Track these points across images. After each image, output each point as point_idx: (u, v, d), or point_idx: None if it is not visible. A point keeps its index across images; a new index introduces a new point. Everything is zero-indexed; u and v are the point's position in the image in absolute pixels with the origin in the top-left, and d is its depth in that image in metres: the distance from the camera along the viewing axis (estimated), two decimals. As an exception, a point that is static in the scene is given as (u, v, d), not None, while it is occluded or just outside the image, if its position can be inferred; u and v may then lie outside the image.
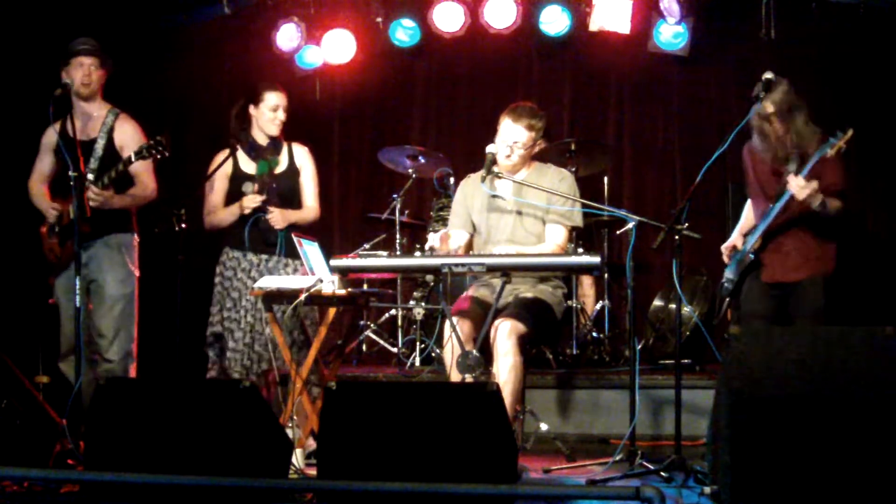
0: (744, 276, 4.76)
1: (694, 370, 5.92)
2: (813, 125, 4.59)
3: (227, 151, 5.09)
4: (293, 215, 5.08)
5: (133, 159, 4.72)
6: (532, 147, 4.66)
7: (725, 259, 4.87)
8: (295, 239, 4.72)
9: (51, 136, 4.91)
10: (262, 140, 5.14)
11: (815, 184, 4.42)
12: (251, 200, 4.98)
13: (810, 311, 4.61)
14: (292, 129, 5.34)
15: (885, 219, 6.63)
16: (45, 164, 5.06)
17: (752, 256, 4.70)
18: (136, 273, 5.02)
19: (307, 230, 5.08)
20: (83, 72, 4.92)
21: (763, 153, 4.67)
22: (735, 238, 4.91)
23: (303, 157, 5.21)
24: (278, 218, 5.01)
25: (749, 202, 4.96)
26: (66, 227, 4.84)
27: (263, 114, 5.08)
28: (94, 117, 4.99)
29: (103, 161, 4.88)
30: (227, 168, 5.10)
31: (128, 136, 4.96)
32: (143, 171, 4.98)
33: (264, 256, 5.07)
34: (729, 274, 4.84)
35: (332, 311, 4.62)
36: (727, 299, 4.88)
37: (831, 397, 3.44)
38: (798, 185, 4.42)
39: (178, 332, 4.70)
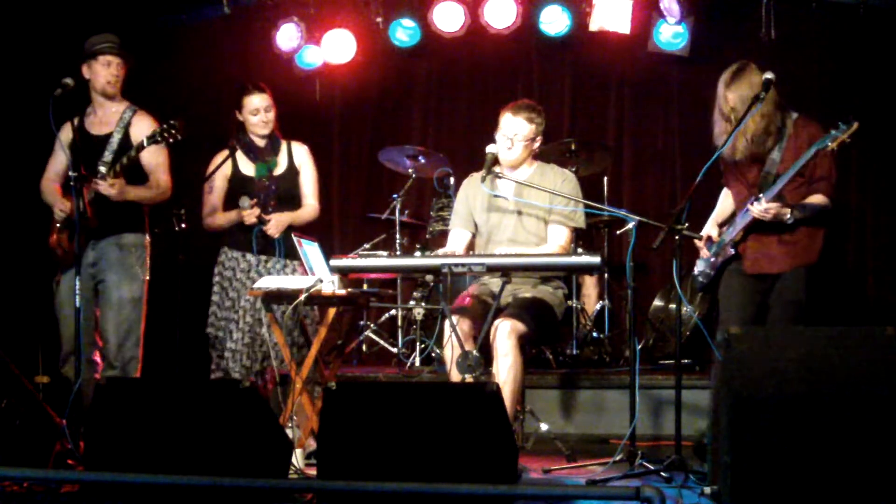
0: (721, 269, 4.58)
1: (694, 370, 5.92)
2: (782, 107, 4.41)
3: (225, 152, 5.10)
4: (290, 218, 5.08)
5: (146, 143, 4.71)
6: (533, 141, 4.67)
7: (702, 251, 4.67)
8: (295, 239, 4.73)
9: (66, 134, 4.84)
10: (259, 141, 5.14)
11: (775, 205, 4.28)
12: (250, 216, 4.99)
13: (790, 304, 4.41)
14: (292, 129, 5.34)
15: (884, 219, 6.63)
16: (58, 161, 5.01)
17: (732, 251, 4.51)
18: (147, 276, 4.98)
19: (308, 229, 5.09)
20: (111, 71, 4.91)
21: (736, 142, 4.41)
22: (709, 228, 4.71)
23: (302, 155, 5.21)
24: (274, 227, 5.02)
25: (724, 190, 4.76)
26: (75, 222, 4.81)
27: (248, 119, 5.10)
28: (111, 113, 4.98)
29: (118, 154, 4.85)
30: (227, 169, 5.11)
31: (144, 130, 4.89)
32: (157, 168, 4.96)
33: (263, 257, 5.07)
34: (701, 266, 4.67)
35: (332, 311, 4.62)
36: (700, 293, 4.78)
37: (831, 397, 3.44)
38: (760, 211, 4.31)
39: (179, 332, 4.70)
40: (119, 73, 4.94)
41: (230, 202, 5.12)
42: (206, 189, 5.12)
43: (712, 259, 4.61)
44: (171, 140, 4.70)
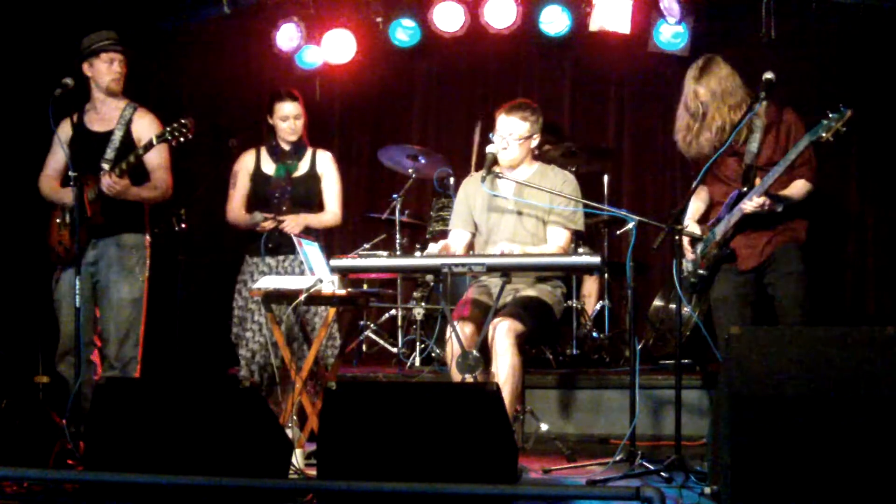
0: (714, 270, 4.56)
1: (694, 370, 5.91)
2: (752, 98, 4.38)
3: (253, 151, 5.21)
4: (307, 219, 5.13)
5: (155, 142, 4.71)
6: (528, 139, 4.67)
7: (688, 253, 4.61)
8: (295, 239, 4.74)
9: (65, 131, 4.85)
10: (285, 145, 5.20)
11: (767, 200, 4.29)
12: (268, 224, 5.05)
13: (789, 276, 4.44)
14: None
15: (884, 218, 6.62)
16: (57, 158, 4.99)
17: (726, 251, 4.50)
18: (146, 276, 4.97)
19: (322, 233, 5.13)
20: (114, 68, 4.91)
21: (713, 139, 4.44)
22: (692, 228, 4.64)
23: (325, 163, 5.27)
24: (292, 224, 5.05)
25: (697, 191, 4.66)
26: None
27: (278, 124, 5.17)
28: (112, 110, 4.97)
29: (120, 152, 4.85)
30: (250, 166, 5.20)
31: (145, 128, 4.91)
32: (160, 167, 4.96)
33: (280, 257, 5.12)
34: (689, 268, 4.63)
35: (332, 311, 4.62)
36: (693, 295, 4.76)
37: (831, 397, 3.44)
38: (753, 207, 4.32)
39: (178, 332, 4.70)
40: (122, 70, 4.94)
41: (251, 199, 5.19)
42: (230, 182, 5.21)
43: (702, 259, 4.59)
44: (181, 139, 4.71)
